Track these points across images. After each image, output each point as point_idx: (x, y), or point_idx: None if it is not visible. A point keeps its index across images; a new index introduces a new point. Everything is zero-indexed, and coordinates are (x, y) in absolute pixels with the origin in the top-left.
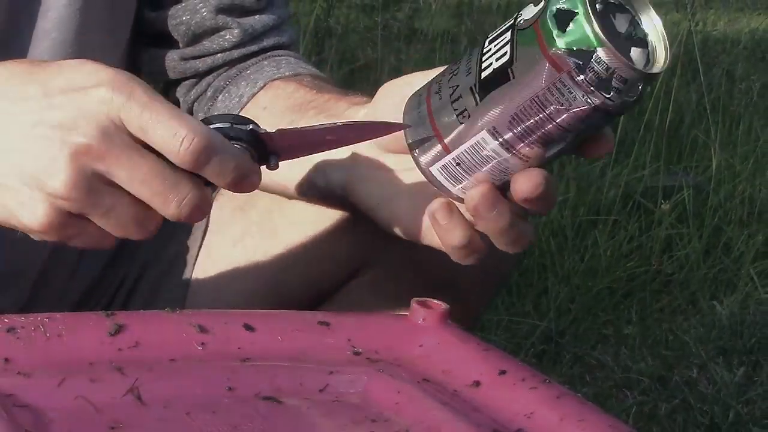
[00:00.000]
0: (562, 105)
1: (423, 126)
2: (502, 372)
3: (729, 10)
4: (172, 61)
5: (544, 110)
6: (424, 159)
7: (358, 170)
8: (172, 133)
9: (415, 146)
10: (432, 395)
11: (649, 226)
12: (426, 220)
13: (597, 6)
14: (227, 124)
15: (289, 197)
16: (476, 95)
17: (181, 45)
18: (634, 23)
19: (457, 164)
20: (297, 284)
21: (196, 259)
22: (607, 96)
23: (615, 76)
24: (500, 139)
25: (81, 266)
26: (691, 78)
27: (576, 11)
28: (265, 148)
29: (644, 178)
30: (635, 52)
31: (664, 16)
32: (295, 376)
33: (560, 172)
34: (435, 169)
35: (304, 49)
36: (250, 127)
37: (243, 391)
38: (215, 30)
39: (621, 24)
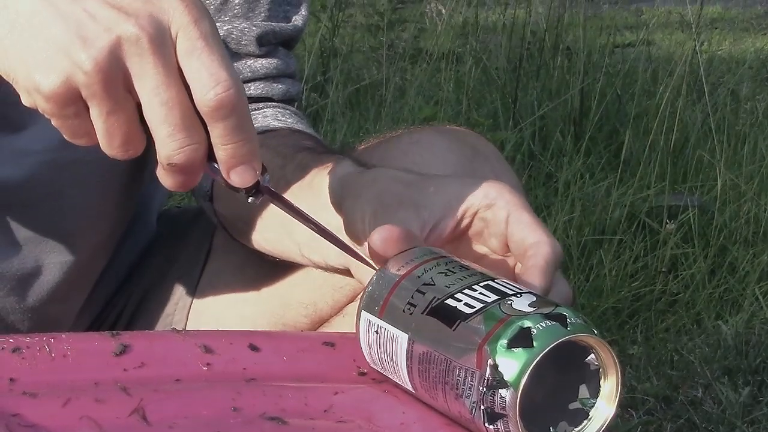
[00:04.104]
0: (457, 389)
1: (389, 280)
2: None
3: (734, 30)
4: None
5: (445, 374)
6: (365, 304)
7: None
8: (211, 72)
9: (369, 287)
10: (436, 415)
11: (655, 246)
12: None
13: (564, 358)
14: None
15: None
16: (429, 307)
17: None
18: (594, 393)
19: (376, 332)
20: (297, 309)
21: (197, 285)
22: (487, 426)
23: (503, 419)
24: (410, 354)
25: (92, 297)
26: (696, 98)
27: (533, 345)
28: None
29: (649, 198)
30: (561, 413)
31: (669, 36)
32: (300, 396)
33: (566, 192)
34: (364, 315)
35: (309, 69)
36: None
37: (248, 411)
38: None
39: (579, 387)
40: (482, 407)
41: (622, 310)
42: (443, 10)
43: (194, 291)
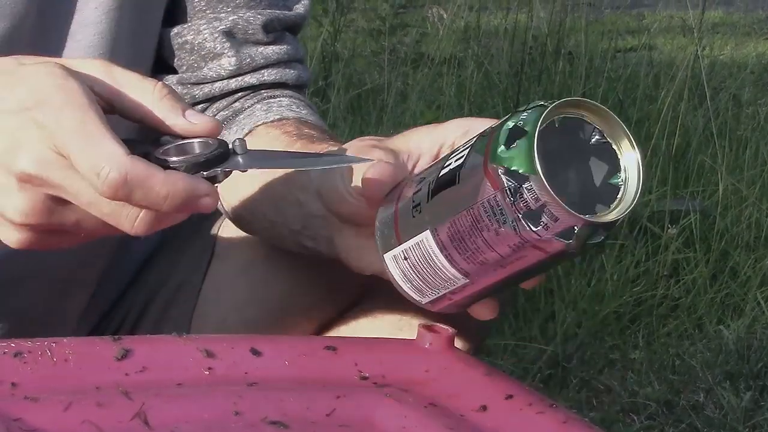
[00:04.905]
0: (492, 224)
1: (389, 212)
2: (509, 396)
3: (736, 35)
4: (171, 85)
5: (476, 225)
6: (382, 247)
7: (345, 241)
8: (91, 165)
9: (378, 231)
10: (439, 420)
11: (656, 250)
12: None
13: (559, 133)
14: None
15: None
16: (430, 192)
17: (182, 69)
18: (607, 159)
19: (405, 258)
20: (299, 313)
21: (200, 288)
22: (534, 229)
23: (545, 211)
24: (440, 244)
25: (93, 303)
26: (698, 102)
27: (525, 130)
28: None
29: (651, 202)
30: (595, 192)
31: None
32: (302, 400)
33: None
34: (388, 259)
35: (311, 73)
36: (198, 140)
37: (250, 415)
38: (215, 56)
39: (585, 157)
40: (520, 216)
41: (623, 314)
42: (445, 15)
43: (197, 295)
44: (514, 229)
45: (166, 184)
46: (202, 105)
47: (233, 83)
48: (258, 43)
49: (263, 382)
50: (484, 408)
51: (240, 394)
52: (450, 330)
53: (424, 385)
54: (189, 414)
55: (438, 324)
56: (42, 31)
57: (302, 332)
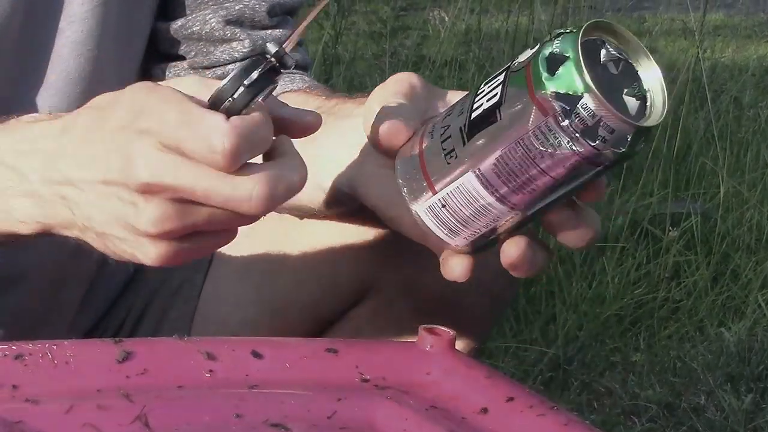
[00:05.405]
0: (546, 150)
1: (412, 165)
2: (510, 399)
3: (737, 38)
4: (182, 71)
5: (528, 154)
6: (412, 199)
7: (365, 169)
8: (202, 144)
9: (404, 185)
10: (440, 422)
11: (657, 253)
12: None
13: (591, 54)
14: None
15: (298, 209)
16: (464, 135)
17: (191, 55)
18: (632, 75)
19: (443, 206)
20: (300, 313)
21: (201, 289)
22: (593, 144)
23: (601, 124)
24: (485, 183)
25: (90, 297)
26: (698, 105)
27: (567, 56)
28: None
29: (652, 205)
30: (629, 104)
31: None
32: (303, 403)
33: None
34: (422, 210)
35: (312, 76)
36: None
37: (251, 418)
38: (225, 41)
39: (616, 74)
40: (578, 135)
41: (624, 317)
42: (446, 18)
43: (198, 296)
44: (572, 149)
45: (268, 120)
46: None
47: None
48: (265, 27)
49: (264, 384)
50: (485, 410)
51: (241, 396)
52: (451, 332)
53: (425, 387)
54: (190, 416)
55: (439, 326)
56: (30, 27)
57: (304, 331)
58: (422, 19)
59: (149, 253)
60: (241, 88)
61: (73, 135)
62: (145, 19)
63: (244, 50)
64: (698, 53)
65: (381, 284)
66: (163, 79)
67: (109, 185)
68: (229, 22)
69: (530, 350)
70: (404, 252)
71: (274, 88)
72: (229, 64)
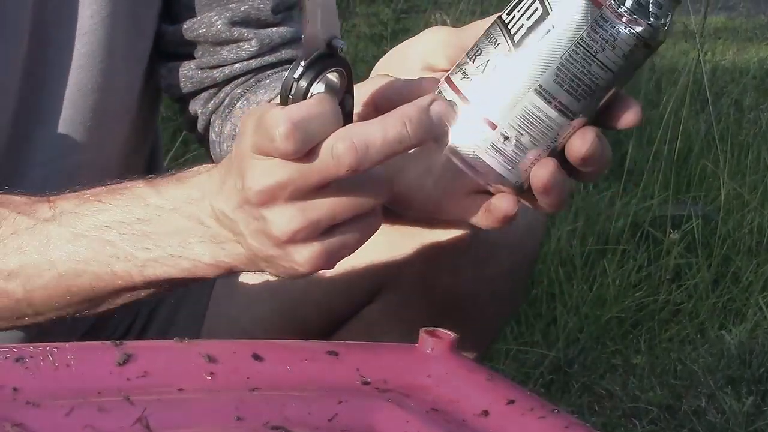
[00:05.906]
0: (606, 41)
1: (463, 113)
2: (511, 401)
3: (738, 40)
4: (190, 71)
5: (589, 53)
6: (467, 143)
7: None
8: (269, 139)
9: (454, 133)
10: (440, 425)
11: (658, 255)
12: (463, 198)
13: None
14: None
15: None
16: (514, 59)
17: (198, 56)
18: None
19: (506, 139)
20: (312, 312)
21: (212, 288)
22: (649, 22)
23: (651, 2)
24: (548, 97)
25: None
26: (699, 107)
27: None
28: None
29: (653, 207)
30: None
31: (673, 46)
32: (303, 405)
33: (568, 201)
34: (482, 151)
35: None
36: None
37: (252, 420)
38: (233, 41)
39: None
40: (635, 16)
41: (625, 319)
42: (447, 20)
43: (209, 296)
44: (630, 32)
45: (324, 101)
46: (221, 86)
47: (254, 63)
48: (270, 25)
49: (265, 387)
50: (485, 413)
51: (242, 399)
52: (452, 335)
53: (425, 390)
54: (191, 419)
55: (440, 329)
56: (41, 41)
57: (316, 329)
58: (423, 21)
59: (298, 260)
60: (294, 82)
61: (213, 172)
62: (151, 23)
63: (251, 49)
64: (699, 56)
65: (395, 283)
66: (169, 78)
67: (243, 207)
68: (234, 23)
69: (531, 353)
70: (419, 251)
71: (333, 72)
72: (236, 63)
